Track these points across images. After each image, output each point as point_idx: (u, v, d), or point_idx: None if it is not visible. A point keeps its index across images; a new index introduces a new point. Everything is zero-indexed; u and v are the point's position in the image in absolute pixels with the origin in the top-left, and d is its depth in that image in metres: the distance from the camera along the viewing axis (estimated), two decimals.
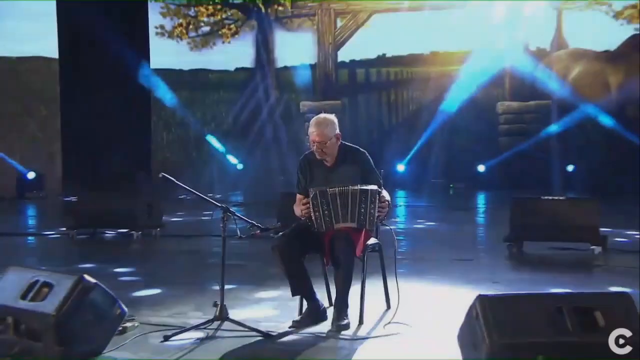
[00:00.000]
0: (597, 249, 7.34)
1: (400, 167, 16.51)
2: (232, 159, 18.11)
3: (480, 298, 3.41)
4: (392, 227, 5.00)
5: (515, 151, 16.32)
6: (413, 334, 4.39)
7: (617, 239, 8.15)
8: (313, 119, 4.74)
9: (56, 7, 15.40)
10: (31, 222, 12.47)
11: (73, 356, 3.77)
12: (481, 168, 16.74)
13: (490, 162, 16.55)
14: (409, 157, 16.68)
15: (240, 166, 18.04)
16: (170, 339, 4.20)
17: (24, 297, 3.88)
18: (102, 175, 15.41)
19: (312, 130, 4.64)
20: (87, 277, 3.89)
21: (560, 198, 8.97)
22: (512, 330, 3.30)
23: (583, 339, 3.32)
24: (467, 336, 3.50)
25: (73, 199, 14.22)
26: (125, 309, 4.13)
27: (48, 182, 15.51)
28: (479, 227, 11.32)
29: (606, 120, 16.01)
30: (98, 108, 15.46)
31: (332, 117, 4.75)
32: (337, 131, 4.68)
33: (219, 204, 4.50)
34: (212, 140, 18.53)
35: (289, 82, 18.52)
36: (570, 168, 16.32)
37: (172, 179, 4.42)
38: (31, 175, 15.16)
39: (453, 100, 16.73)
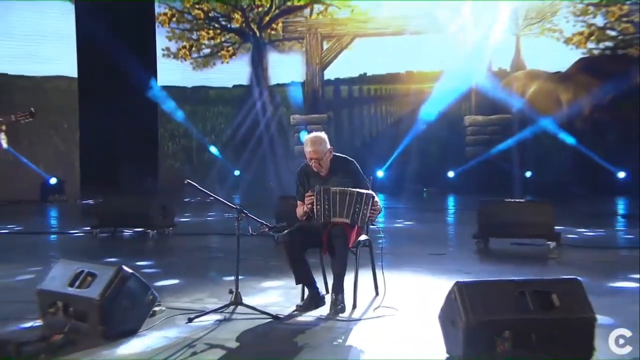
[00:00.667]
0: (552, 244, 7.36)
1: (380, 173, 16.42)
2: (230, 166, 18.12)
3: (458, 284, 3.51)
4: (379, 226, 5.13)
5: (480, 159, 16.33)
6: (399, 315, 4.50)
7: (568, 236, 8.22)
8: (307, 138, 4.79)
9: (76, 33, 15.36)
10: (54, 222, 12.35)
11: (113, 335, 3.88)
12: (451, 174, 16.74)
13: (458, 169, 16.58)
14: (387, 164, 16.64)
15: (237, 172, 17.99)
16: (194, 320, 4.28)
17: (71, 284, 4.01)
18: (115, 181, 15.38)
19: (308, 149, 4.71)
20: (125, 267, 4.02)
21: (521, 201, 9.04)
22: (484, 310, 3.40)
23: (542, 317, 3.44)
24: (447, 315, 3.61)
25: (90, 201, 14.26)
26: (157, 294, 4.26)
27: (68, 187, 15.41)
28: (450, 226, 11.31)
29: (558, 132, 16.07)
30: (112, 121, 15.38)
31: (323, 134, 4.80)
32: (329, 146, 4.76)
33: (235, 206, 4.57)
34: (213, 149, 18.53)
35: (281, 97, 18.36)
36: (528, 174, 16.31)
37: (195, 184, 4.49)
38: (53, 181, 15.08)
39: (426, 114, 16.74)
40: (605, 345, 3.59)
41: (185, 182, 4.51)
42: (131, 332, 4.00)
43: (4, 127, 6.20)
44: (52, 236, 9.77)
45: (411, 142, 16.74)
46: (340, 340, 4.00)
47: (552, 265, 6.76)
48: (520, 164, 16.28)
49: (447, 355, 3.59)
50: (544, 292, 3.53)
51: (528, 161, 16.34)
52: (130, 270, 4.05)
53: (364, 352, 3.77)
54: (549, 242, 7.40)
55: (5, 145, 6.39)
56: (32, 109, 5.64)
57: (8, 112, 6.19)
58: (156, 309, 4.37)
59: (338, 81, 18.34)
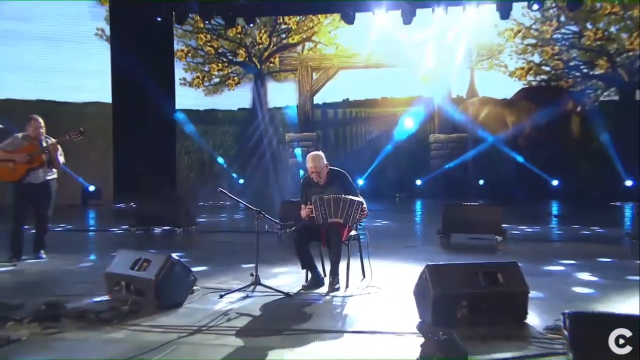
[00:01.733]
0: (499, 238, 7.56)
1: (360, 182, 16.30)
2: (235, 176, 18.24)
3: (428, 266, 3.83)
4: (364, 225, 5.35)
5: (442, 170, 16.45)
6: (382, 292, 4.76)
7: (512, 232, 8.42)
8: (309, 155, 5.07)
9: (111, 67, 15.52)
10: (95, 222, 12.26)
11: (165, 306, 4.15)
12: (418, 182, 16.80)
13: (425, 178, 16.66)
14: (366, 174, 16.67)
15: (241, 181, 18.07)
16: (224, 296, 4.53)
17: (132, 268, 4.28)
18: (142, 188, 15.40)
19: (309, 164, 4.99)
20: (173, 255, 4.30)
21: (475, 204, 9.23)
22: (448, 286, 3.70)
23: (490, 290, 3.77)
24: (419, 291, 3.91)
25: (122, 205, 14.36)
26: (196, 276, 4.55)
27: (104, 194, 15.45)
28: (418, 224, 11.38)
29: (505, 148, 16.29)
30: (139, 139, 15.47)
31: (321, 153, 5.08)
32: (325, 162, 5.04)
33: (254, 208, 4.81)
34: (220, 160, 18.70)
35: (278, 118, 18.42)
36: (481, 182, 16.43)
37: (226, 191, 4.72)
38: (92, 188, 15.11)
39: (399, 132, 16.94)
40: (533, 311, 3.91)
41: (218, 190, 4.76)
42: (177, 304, 4.25)
43: (59, 147, 6.54)
44: (96, 233, 9.82)
45: (386, 156, 16.87)
46: (338, 311, 4.26)
47: (499, 254, 6.95)
48: (474, 173, 16.48)
49: (419, 320, 3.87)
50: (492, 272, 3.84)
51: (481, 171, 16.49)
52: (177, 257, 4.32)
53: (356, 319, 4.04)
54: (497, 237, 7.60)
55: (62, 160, 6.73)
56: (81, 128, 5.91)
57: (63, 134, 6.52)
58: (194, 288, 4.60)
59: (325, 105, 18.46)
